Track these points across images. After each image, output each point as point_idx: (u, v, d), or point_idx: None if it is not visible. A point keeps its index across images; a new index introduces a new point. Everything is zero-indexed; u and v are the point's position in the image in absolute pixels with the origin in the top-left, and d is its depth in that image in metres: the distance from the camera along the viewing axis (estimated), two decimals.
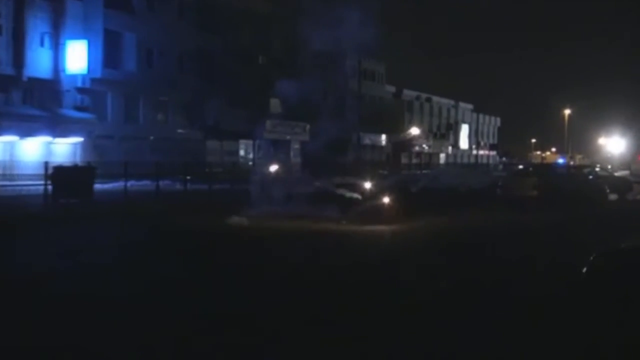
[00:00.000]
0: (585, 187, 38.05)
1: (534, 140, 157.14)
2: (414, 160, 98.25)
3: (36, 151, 48.38)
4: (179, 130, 60.58)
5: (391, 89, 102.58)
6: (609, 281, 12.28)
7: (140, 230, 22.75)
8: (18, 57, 49.83)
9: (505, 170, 71.65)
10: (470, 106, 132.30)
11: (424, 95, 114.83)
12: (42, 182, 32.38)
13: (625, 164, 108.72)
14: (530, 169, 54.00)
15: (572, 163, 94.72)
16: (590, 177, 42.56)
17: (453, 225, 24.64)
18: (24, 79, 50.11)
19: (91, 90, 54.06)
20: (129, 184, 36.65)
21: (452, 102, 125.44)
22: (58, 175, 31.95)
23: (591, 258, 13.08)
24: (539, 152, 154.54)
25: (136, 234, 21.93)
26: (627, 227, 24.80)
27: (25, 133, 48.74)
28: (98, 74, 54.04)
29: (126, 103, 57.58)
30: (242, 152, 67.36)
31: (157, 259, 17.15)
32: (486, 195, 36.92)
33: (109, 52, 55.48)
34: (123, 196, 34.28)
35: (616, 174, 55.94)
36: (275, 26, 62.73)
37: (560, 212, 28.51)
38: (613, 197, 40.66)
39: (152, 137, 57.43)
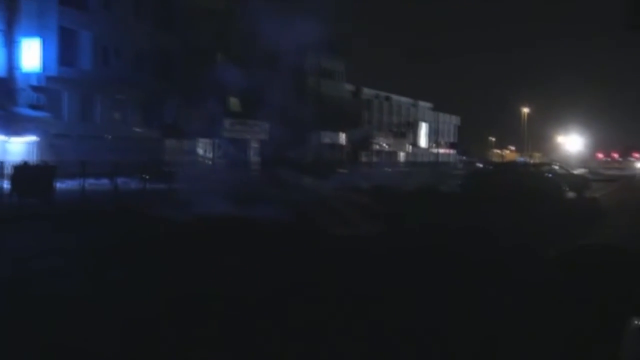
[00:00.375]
0: (544, 186, 38.23)
1: (493, 139, 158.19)
2: (374, 159, 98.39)
3: None
4: (137, 129, 59.97)
5: (350, 87, 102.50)
6: (569, 274, 12.35)
7: (102, 229, 22.64)
8: None
9: (465, 169, 72.04)
10: (429, 105, 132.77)
11: (383, 94, 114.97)
12: None
13: (583, 162, 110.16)
14: (490, 167, 54.33)
15: (530, 161, 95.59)
16: (549, 175, 42.83)
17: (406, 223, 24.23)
18: None
19: (46, 88, 53.26)
20: (87, 183, 36.32)
21: (411, 100, 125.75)
22: (18, 174, 31.54)
23: (552, 254, 13.05)
24: (498, 151, 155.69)
25: (98, 233, 21.81)
26: (584, 225, 25.09)
27: None
28: (53, 72, 53.25)
29: (82, 101, 56.84)
30: (200, 151, 66.83)
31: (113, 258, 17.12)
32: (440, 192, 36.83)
33: (64, 50, 54.70)
34: (81, 196, 34.00)
35: (574, 172, 56.42)
36: (234, 24, 62.33)
37: (519, 210, 28.55)
38: (571, 194, 41.01)
39: (109, 136, 56.80)
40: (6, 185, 31.34)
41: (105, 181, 39.77)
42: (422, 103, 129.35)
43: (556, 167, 49.49)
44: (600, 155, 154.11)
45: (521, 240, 19.97)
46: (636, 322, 3.21)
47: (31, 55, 51.93)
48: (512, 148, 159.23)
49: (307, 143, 58.28)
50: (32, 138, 50.82)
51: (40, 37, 52.30)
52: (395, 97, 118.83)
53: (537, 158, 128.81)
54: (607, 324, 9.13)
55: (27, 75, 52.26)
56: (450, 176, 53.32)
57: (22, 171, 32.03)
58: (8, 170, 32.04)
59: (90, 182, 37.43)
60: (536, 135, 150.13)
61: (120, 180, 39.18)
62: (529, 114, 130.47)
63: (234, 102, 66.24)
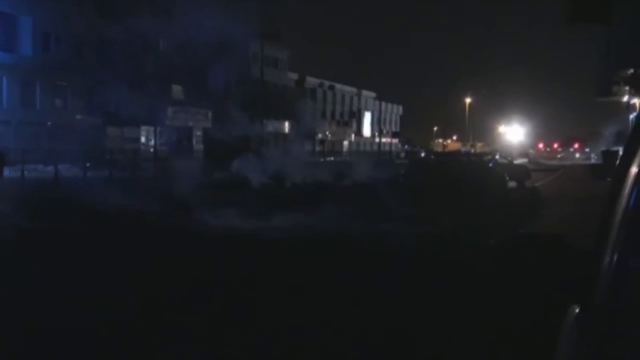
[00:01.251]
0: (486, 175, 38.56)
1: (435, 128, 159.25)
2: (317, 148, 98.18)
3: None
4: (78, 116, 59.29)
5: (294, 76, 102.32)
6: (508, 263, 12.46)
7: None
8: None
9: (407, 158, 72.18)
10: (373, 94, 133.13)
11: (327, 83, 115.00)
12: None
13: (525, 152, 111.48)
14: (432, 157, 54.54)
15: (472, 151, 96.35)
16: (491, 165, 43.23)
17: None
18: None
19: None
20: (27, 170, 36.09)
21: (355, 89, 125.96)
22: None
23: (491, 243, 13.15)
24: (440, 140, 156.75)
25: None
26: (524, 214, 25.40)
27: None
28: None
29: (22, 88, 56.09)
30: (143, 139, 66.27)
31: None
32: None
33: (3, 35, 53.94)
34: (21, 182, 33.79)
35: (515, 161, 56.94)
36: (176, 11, 61.85)
37: (459, 201, 28.69)
38: (512, 184, 41.46)
39: (49, 123, 56.11)
40: None
41: (49, 169, 39.41)
42: (365, 92, 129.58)
43: (497, 157, 49.91)
44: (541, 146, 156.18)
45: (459, 229, 20.17)
46: (575, 309, 3.29)
47: None
48: (455, 138, 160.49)
49: (250, 131, 58.21)
50: None
51: None
52: (339, 85, 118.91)
53: (479, 148, 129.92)
54: (548, 312, 9.24)
55: None
56: (391, 166, 53.28)
57: None
58: None
59: (30, 170, 37.13)
60: (479, 125, 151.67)
61: (61, 168, 38.78)
62: (471, 104, 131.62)
63: (176, 90, 65.77)
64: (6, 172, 36.15)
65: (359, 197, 28.88)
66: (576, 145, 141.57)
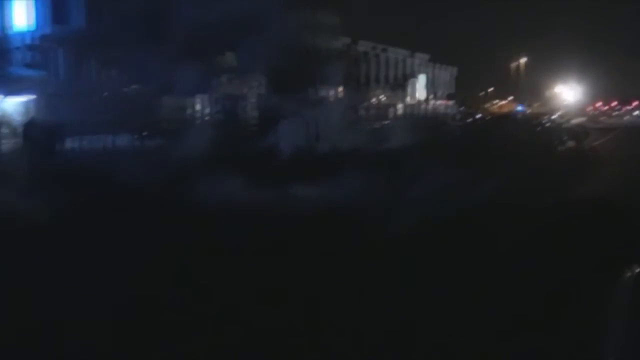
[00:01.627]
0: (541, 136, 38.22)
1: (491, 89, 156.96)
2: (368, 113, 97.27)
3: None
4: (132, 87, 59.70)
5: (346, 40, 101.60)
6: (566, 226, 12.29)
7: None
8: None
9: (460, 122, 71.56)
10: (426, 56, 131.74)
11: (379, 46, 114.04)
12: None
13: (582, 111, 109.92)
14: (480, 122, 54.26)
15: (528, 111, 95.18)
16: (540, 127, 42.73)
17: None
18: None
19: (41, 47, 53.10)
20: (84, 141, 36.85)
21: (408, 52, 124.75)
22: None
23: (548, 205, 12.98)
24: (496, 101, 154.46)
25: None
26: (580, 175, 25.13)
27: None
28: (47, 31, 53.06)
29: (77, 60, 56.59)
30: (195, 108, 66.42)
31: None
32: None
33: (56, 8, 54.45)
34: (82, 152, 34.64)
35: (572, 121, 56.32)
36: None
37: (512, 163, 28.40)
38: (567, 145, 40.94)
39: (104, 94, 56.62)
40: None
41: (102, 139, 40.01)
42: (419, 54, 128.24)
43: (554, 117, 49.44)
44: (599, 104, 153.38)
45: (513, 192, 20.04)
46: (630, 271, 3.35)
47: (24, 13, 51.74)
48: (506, 100, 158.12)
49: (296, 99, 58.17)
50: (29, 97, 50.80)
51: None
52: (392, 48, 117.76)
53: (535, 108, 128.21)
54: (604, 272, 9.27)
55: (21, 34, 52.09)
56: (440, 130, 52.76)
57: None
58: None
59: (88, 141, 37.86)
60: (535, 85, 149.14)
61: (115, 139, 39.42)
62: (527, 64, 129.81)
63: (230, 58, 65.80)
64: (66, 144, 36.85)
65: (399, 163, 28.22)
66: (635, 103, 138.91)
